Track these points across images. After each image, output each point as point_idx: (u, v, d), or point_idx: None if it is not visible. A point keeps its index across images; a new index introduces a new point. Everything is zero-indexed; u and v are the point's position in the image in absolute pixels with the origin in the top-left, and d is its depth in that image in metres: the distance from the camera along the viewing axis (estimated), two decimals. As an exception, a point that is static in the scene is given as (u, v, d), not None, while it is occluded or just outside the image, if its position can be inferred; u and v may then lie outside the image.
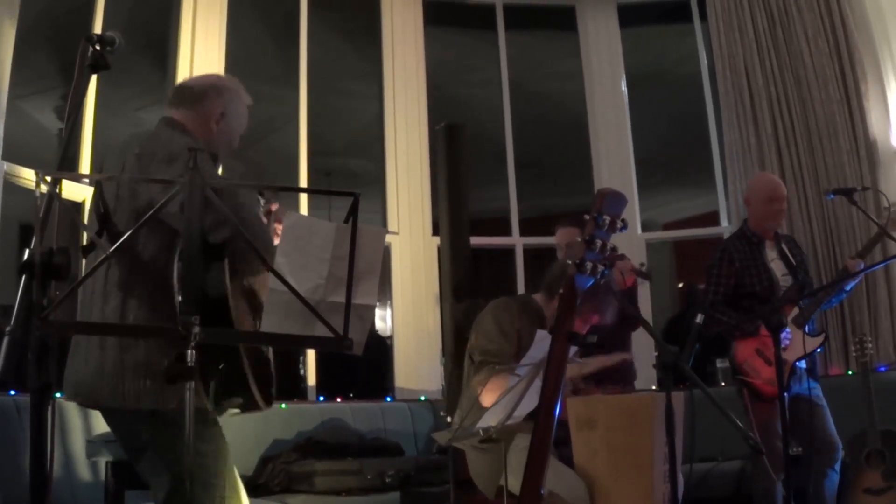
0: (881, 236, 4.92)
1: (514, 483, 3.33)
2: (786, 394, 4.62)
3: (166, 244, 2.67)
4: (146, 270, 2.72)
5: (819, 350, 4.81)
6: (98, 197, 2.89)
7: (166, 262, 2.67)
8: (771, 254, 5.01)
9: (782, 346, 4.60)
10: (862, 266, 4.88)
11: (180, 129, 2.97)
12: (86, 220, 2.99)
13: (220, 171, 3.12)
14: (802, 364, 4.80)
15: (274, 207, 3.14)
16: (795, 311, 4.77)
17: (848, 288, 5.01)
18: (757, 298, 4.86)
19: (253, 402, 2.76)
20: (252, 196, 2.89)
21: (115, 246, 2.34)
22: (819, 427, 4.80)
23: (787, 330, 4.67)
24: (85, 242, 2.87)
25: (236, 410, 2.93)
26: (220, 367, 2.75)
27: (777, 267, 4.96)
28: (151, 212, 2.27)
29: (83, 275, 2.84)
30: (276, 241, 2.90)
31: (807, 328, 4.78)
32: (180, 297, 2.30)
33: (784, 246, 5.06)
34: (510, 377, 3.45)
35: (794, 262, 4.98)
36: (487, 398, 3.68)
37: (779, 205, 5.07)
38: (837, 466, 4.82)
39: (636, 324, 4.97)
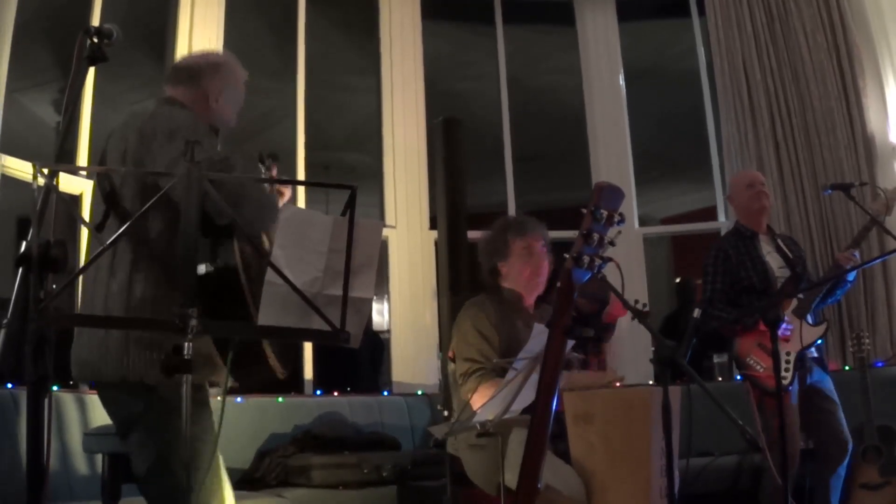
0: (872, 224, 4.91)
1: (512, 478, 3.33)
2: (791, 387, 4.65)
3: (173, 221, 2.67)
4: (153, 247, 2.74)
5: (820, 342, 4.81)
6: (104, 176, 2.90)
7: (172, 238, 2.68)
8: (766, 248, 5.02)
9: (783, 335, 4.62)
10: (857, 255, 4.88)
11: (179, 106, 2.98)
12: (91, 199, 2.99)
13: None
14: (813, 352, 4.80)
15: (274, 171, 3.17)
16: (795, 302, 4.78)
17: (850, 278, 5.00)
18: (755, 292, 4.86)
19: (269, 369, 2.75)
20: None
21: (114, 239, 2.34)
22: (832, 423, 4.81)
23: (786, 320, 4.68)
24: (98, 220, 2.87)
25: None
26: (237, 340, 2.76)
27: (773, 260, 4.96)
28: (153, 200, 2.28)
29: (80, 266, 2.84)
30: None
31: (809, 319, 4.78)
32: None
33: (780, 241, 5.06)
34: (499, 382, 3.46)
35: (791, 256, 4.98)
36: (478, 404, 3.71)
37: (760, 187, 5.08)
38: (846, 463, 4.82)
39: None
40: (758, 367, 4.74)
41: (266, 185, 2.99)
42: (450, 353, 4.20)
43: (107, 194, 2.83)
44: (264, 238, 2.76)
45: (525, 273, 4.23)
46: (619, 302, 4.54)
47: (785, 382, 4.61)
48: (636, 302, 5.12)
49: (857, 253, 4.89)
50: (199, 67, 3.11)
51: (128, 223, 2.37)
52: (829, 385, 4.89)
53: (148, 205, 2.28)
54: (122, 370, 2.71)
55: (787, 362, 4.64)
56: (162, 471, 2.69)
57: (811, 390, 4.79)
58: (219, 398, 2.74)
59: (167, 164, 2.64)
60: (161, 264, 2.72)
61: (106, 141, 2.99)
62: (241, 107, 3.20)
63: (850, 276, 4.96)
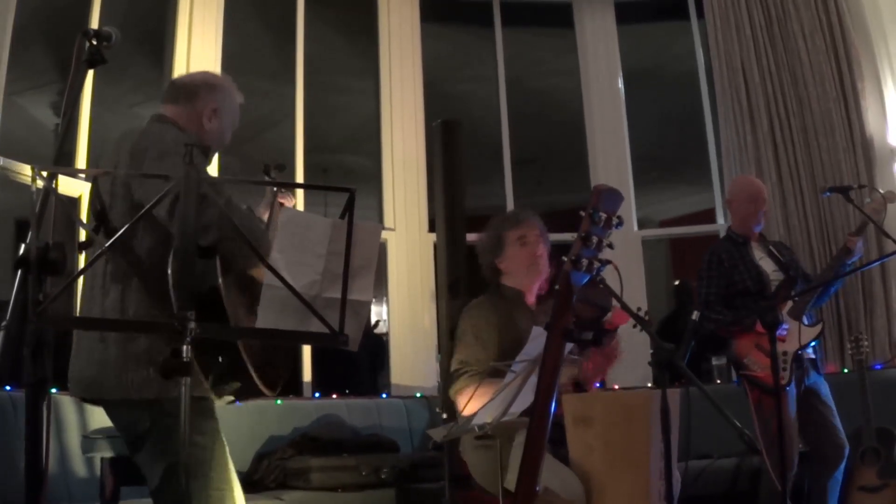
0: (867, 223, 4.93)
1: (513, 479, 3.33)
2: (788, 388, 4.65)
3: (163, 239, 2.68)
4: (144, 264, 2.74)
5: (815, 343, 4.81)
6: (95, 193, 2.93)
7: (163, 255, 2.68)
8: (758, 253, 5.05)
9: (780, 336, 4.63)
10: (861, 244, 4.90)
11: (171, 124, 2.99)
12: (84, 218, 3.01)
13: (210, 166, 3.14)
14: (810, 353, 4.81)
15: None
16: (790, 303, 4.79)
17: (846, 270, 5.02)
18: (750, 295, 4.88)
19: (254, 388, 2.75)
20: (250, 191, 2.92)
21: (110, 243, 2.34)
22: (828, 427, 4.81)
23: (784, 320, 4.70)
24: (83, 239, 2.89)
25: (230, 398, 2.94)
26: (220, 359, 2.76)
27: (766, 264, 4.99)
28: (141, 213, 2.27)
29: (79, 269, 2.85)
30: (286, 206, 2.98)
31: (805, 319, 4.79)
32: (175, 294, 2.32)
33: (772, 247, 5.09)
34: (490, 384, 3.47)
35: (783, 260, 5.00)
36: (463, 404, 3.73)
37: (761, 206, 5.10)
38: (843, 467, 4.83)
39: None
40: (755, 368, 4.75)
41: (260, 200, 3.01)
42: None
43: (97, 213, 2.85)
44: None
45: (523, 262, 4.20)
46: (622, 314, 4.57)
47: (783, 382, 4.62)
48: (638, 309, 5.12)
49: (861, 242, 4.91)
50: (196, 87, 3.13)
51: (124, 228, 2.36)
52: (824, 388, 4.90)
53: (145, 209, 2.27)
54: (121, 388, 2.73)
55: (785, 361, 4.66)
56: (174, 483, 2.69)
57: (807, 392, 4.80)
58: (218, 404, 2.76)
59: (155, 183, 2.65)
60: (152, 281, 2.73)
61: (98, 158, 3.02)
62: (235, 127, 3.22)
63: (846, 269, 4.99)
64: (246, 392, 2.84)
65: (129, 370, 2.71)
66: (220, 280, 2.60)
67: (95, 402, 2.92)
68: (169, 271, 2.55)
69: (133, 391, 2.71)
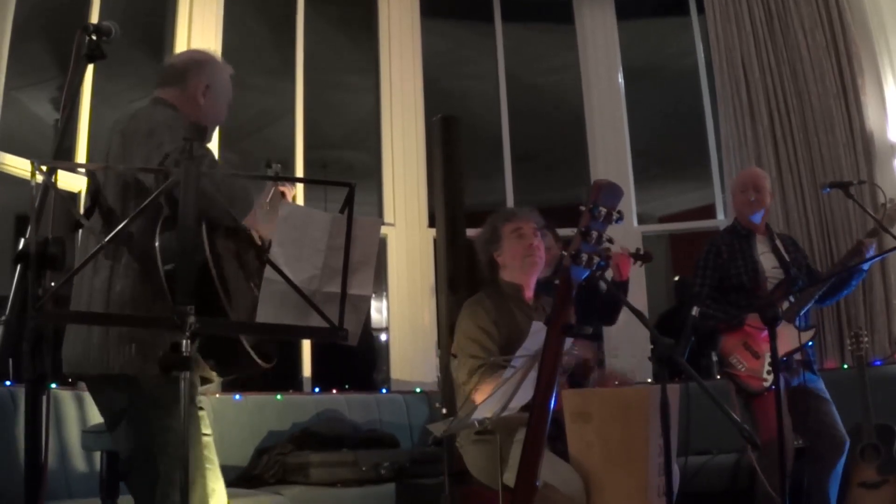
0: (878, 230, 4.92)
1: (512, 476, 3.33)
2: (773, 386, 4.63)
3: (151, 218, 2.68)
4: (132, 244, 2.76)
5: (810, 344, 4.80)
6: (92, 173, 2.97)
7: (150, 234, 2.68)
8: (761, 247, 5.02)
9: (766, 337, 4.62)
10: (872, 249, 4.88)
11: (166, 106, 3.03)
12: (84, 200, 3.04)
13: (209, 145, 3.15)
14: (796, 354, 4.79)
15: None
16: (786, 304, 4.77)
17: (865, 267, 4.99)
18: (744, 291, 4.87)
19: (249, 362, 2.74)
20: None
21: (110, 237, 2.34)
22: (827, 422, 4.80)
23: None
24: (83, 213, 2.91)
25: (213, 380, 2.96)
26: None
27: (767, 260, 4.96)
28: (141, 207, 2.28)
29: (77, 262, 2.86)
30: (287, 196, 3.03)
31: (799, 322, 4.77)
32: (166, 276, 2.33)
33: (778, 242, 5.05)
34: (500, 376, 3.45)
35: (788, 258, 4.97)
36: (480, 400, 3.72)
37: (750, 195, 5.05)
38: (842, 461, 4.82)
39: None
40: (739, 367, 4.75)
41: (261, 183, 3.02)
42: (452, 351, 4.21)
43: (93, 192, 2.88)
44: (254, 234, 2.79)
45: (518, 255, 4.21)
46: (623, 257, 4.62)
47: (765, 385, 4.63)
48: (637, 250, 5.17)
49: (872, 248, 4.89)
50: (184, 66, 3.17)
51: (121, 226, 2.37)
52: (819, 385, 4.88)
53: (145, 203, 2.28)
54: (103, 365, 2.75)
55: (770, 364, 4.65)
56: (143, 463, 2.72)
57: (801, 391, 4.77)
58: (203, 396, 2.75)
59: (143, 160, 2.67)
60: (140, 262, 2.74)
61: (95, 152, 3.05)
62: (229, 101, 3.24)
63: (865, 266, 4.97)
64: (240, 367, 2.83)
65: (110, 348, 2.74)
66: (208, 252, 2.60)
67: (80, 379, 2.94)
68: (157, 250, 2.56)
69: (114, 367, 2.74)
